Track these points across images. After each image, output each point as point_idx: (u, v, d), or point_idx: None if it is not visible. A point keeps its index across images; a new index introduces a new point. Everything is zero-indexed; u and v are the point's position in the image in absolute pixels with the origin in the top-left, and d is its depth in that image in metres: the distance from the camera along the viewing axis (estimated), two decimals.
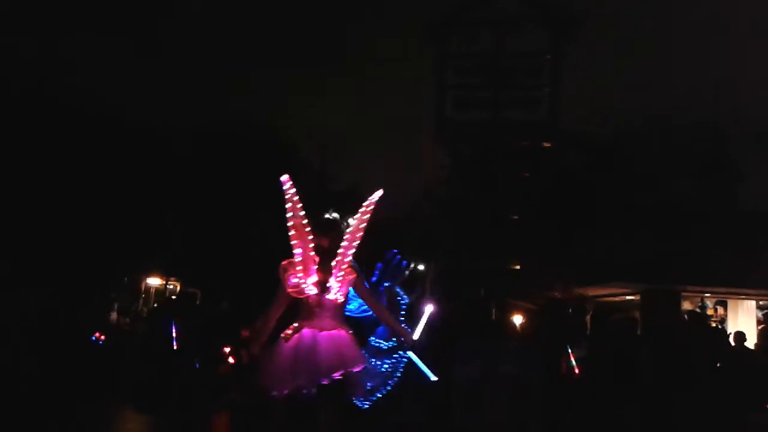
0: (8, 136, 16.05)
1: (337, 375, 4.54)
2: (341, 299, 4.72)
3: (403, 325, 5.71)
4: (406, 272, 6.20)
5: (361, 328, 5.71)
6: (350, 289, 4.83)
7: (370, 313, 5.46)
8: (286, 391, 4.69)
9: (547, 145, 9.90)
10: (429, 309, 6.14)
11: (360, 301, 5.55)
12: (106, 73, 20.11)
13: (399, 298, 6.05)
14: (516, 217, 9.74)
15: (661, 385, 8.34)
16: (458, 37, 9.45)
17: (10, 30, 18.19)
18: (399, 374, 5.84)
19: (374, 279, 5.90)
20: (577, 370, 8.59)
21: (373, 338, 5.90)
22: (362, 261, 5.16)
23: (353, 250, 4.74)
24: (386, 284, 5.97)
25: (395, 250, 6.09)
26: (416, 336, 5.98)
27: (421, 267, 6.45)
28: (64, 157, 17.06)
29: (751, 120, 16.88)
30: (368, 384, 5.57)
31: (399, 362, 5.87)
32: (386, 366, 5.79)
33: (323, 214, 5.12)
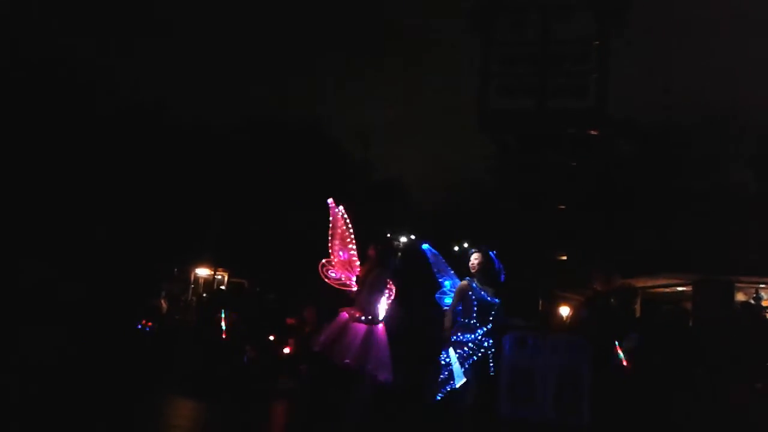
0: (62, 132, 16.53)
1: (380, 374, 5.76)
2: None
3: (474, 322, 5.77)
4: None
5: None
6: (446, 283, 6.31)
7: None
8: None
9: (594, 132, 9.67)
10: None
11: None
12: (148, 70, 20.50)
13: (471, 294, 5.79)
14: (563, 207, 9.60)
15: (712, 378, 8.15)
16: (503, 22, 9.30)
17: (60, 29, 18.70)
18: (467, 367, 5.64)
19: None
20: (625, 362, 8.46)
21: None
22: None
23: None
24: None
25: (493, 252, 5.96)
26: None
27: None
28: (116, 152, 17.49)
29: None
30: (440, 376, 5.66)
31: (464, 357, 5.65)
32: (449, 360, 5.64)
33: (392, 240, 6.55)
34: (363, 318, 5.71)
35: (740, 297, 13.89)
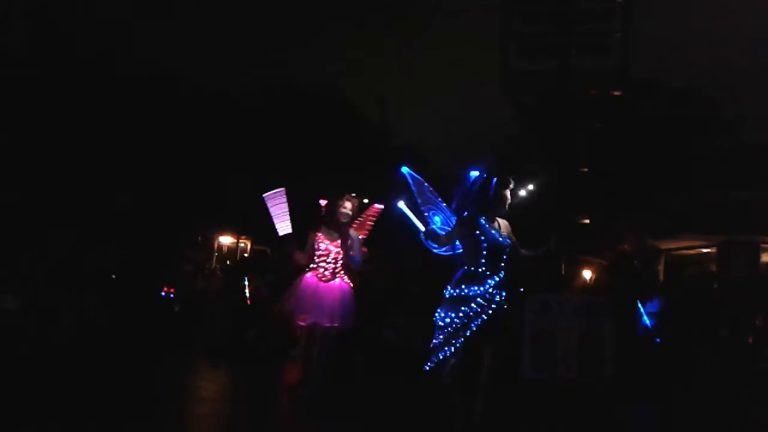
0: (86, 101, 16.65)
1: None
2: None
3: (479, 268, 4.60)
4: (499, 197, 4.74)
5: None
6: (436, 219, 4.99)
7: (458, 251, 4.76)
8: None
9: (617, 93, 9.48)
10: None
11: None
12: (165, 39, 20.48)
13: (477, 232, 4.62)
14: (586, 170, 9.48)
15: (738, 340, 8.11)
16: None
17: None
18: (470, 332, 4.50)
19: (453, 205, 4.83)
20: (649, 324, 8.43)
21: (449, 288, 4.67)
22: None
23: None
24: (465, 213, 4.70)
25: (476, 168, 4.76)
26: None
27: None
28: (138, 120, 17.61)
29: None
30: (433, 340, 4.60)
31: (470, 316, 4.53)
32: (449, 320, 4.53)
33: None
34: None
35: (766, 258, 13.71)
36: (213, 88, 19.38)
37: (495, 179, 4.69)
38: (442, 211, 5.01)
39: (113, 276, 11.33)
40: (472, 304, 4.54)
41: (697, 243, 14.80)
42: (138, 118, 17.64)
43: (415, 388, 6.65)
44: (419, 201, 5.01)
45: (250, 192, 18.97)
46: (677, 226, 14.28)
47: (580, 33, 8.83)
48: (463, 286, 4.58)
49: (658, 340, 8.07)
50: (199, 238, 18.53)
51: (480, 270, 4.60)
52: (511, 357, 7.67)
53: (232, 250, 19.78)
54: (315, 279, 6.31)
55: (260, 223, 18.56)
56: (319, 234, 6.48)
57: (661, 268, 7.65)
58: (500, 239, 4.67)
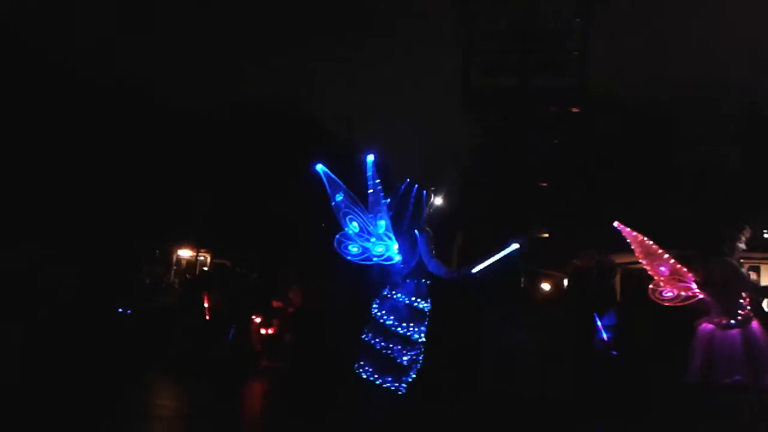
0: (45, 112, 16.30)
1: None
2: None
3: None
4: (429, 208, 4.79)
5: (383, 276, 4.77)
6: (353, 225, 4.70)
7: (394, 261, 4.63)
8: None
9: (575, 110, 9.69)
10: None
11: (363, 244, 4.66)
12: (133, 50, 20.22)
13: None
14: (545, 184, 9.61)
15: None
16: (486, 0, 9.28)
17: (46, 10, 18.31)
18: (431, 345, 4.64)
19: (390, 215, 4.71)
20: (605, 337, 8.57)
21: (401, 294, 4.57)
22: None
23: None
24: (417, 229, 4.69)
25: (407, 180, 4.81)
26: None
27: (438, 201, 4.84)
28: (97, 132, 17.29)
29: None
30: (402, 358, 4.45)
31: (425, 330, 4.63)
32: (424, 335, 4.54)
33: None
34: (733, 322, 5.14)
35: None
36: (181, 102, 19.18)
37: (424, 192, 4.75)
38: (360, 218, 4.77)
39: (66, 293, 11.04)
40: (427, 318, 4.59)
41: None
42: (99, 129, 17.34)
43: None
44: (333, 203, 4.79)
45: (212, 206, 18.84)
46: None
47: (539, 51, 9.01)
48: (429, 300, 4.61)
49: (615, 352, 8.21)
50: (157, 252, 18.19)
51: (429, 282, 4.64)
52: (470, 368, 7.71)
53: (192, 264, 19.48)
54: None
55: (220, 237, 18.42)
56: None
57: (617, 282, 7.79)
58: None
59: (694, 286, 5.44)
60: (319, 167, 4.76)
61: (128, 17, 19.91)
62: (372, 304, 4.67)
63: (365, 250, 4.69)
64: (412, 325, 4.50)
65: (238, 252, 17.40)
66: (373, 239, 4.66)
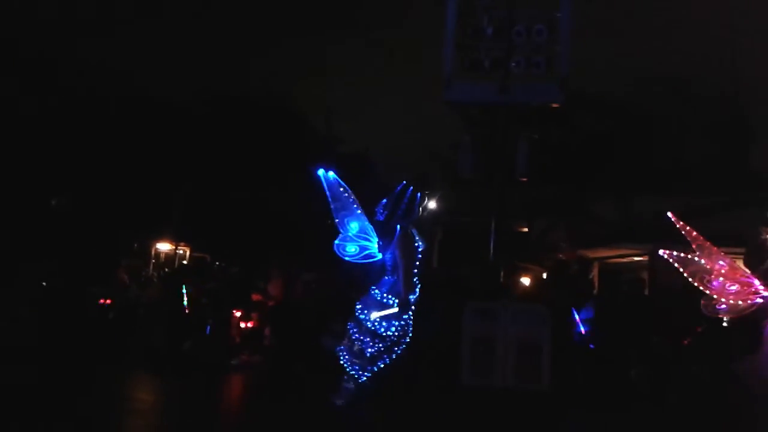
0: (18, 103, 16.07)
1: None
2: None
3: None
4: (421, 209, 4.90)
5: (365, 274, 4.95)
6: (352, 225, 4.87)
7: (375, 258, 4.80)
8: None
9: (556, 105, 9.75)
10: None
11: (360, 243, 4.83)
12: (110, 40, 19.93)
13: (416, 243, 4.80)
14: (524, 179, 9.66)
15: (667, 345, 8.40)
16: None
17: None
18: (408, 340, 4.74)
19: (380, 218, 4.88)
20: (583, 331, 8.67)
21: (378, 290, 4.74)
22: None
23: None
24: (399, 225, 4.76)
25: (404, 182, 4.94)
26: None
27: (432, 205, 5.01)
28: (74, 124, 17.08)
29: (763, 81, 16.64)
30: (368, 350, 4.68)
31: (408, 325, 4.75)
32: (393, 330, 4.66)
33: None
34: None
35: None
36: (162, 94, 18.98)
37: (419, 194, 4.86)
38: (358, 219, 4.94)
39: (44, 284, 10.92)
40: (409, 312, 4.73)
41: (630, 252, 15.33)
42: (77, 121, 17.13)
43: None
44: (333, 207, 4.93)
45: (192, 199, 18.70)
46: (612, 235, 14.76)
47: (520, 46, 9.03)
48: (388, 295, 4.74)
49: (592, 345, 8.30)
50: (135, 245, 18.04)
51: (415, 279, 4.76)
52: (450, 363, 7.76)
53: (171, 257, 19.34)
54: None
55: (199, 230, 18.29)
56: None
57: (594, 276, 7.86)
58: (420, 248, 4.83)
59: (756, 282, 5.34)
60: (321, 172, 4.93)
61: (107, 5, 19.62)
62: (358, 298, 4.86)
63: (363, 248, 4.87)
64: (378, 320, 4.64)
65: (218, 245, 17.31)
66: (370, 239, 4.83)
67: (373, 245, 4.83)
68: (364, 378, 4.65)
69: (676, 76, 17.39)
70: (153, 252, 19.08)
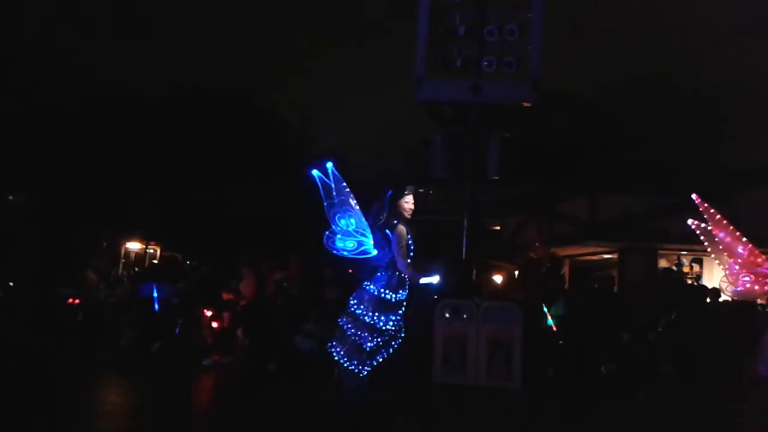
0: None
1: None
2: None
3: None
4: (407, 207, 5.01)
5: (358, 270, 5.09)
6: (341, 221, 4.94)
7: (371, 254, 4.89)
8: None
9: (528, 104, 9.81)
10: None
11: (358, 239, 4.93)
12: (76, 36, 19.57)
13: (408, 240, 4.93)
14: (496, 178, 9.70)
15: (637, 341, 8.53)
16: None
17: None
18: (404, 335, 4.86)
19: (374, 221, 4.97)
20: (555, 328, 8.75)
21: (373, 285, 4.84)
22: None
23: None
24: (395, 222, 4.91)
25: (389, 188, 5.09)
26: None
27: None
28: (40, 122, 16.77)
29: (729, 80, 16.94)
30: (367, 344, 4.74)
31: (402, 320, 4.90)
32: (391, 324, 4.78)
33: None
34: None
35: (663, 264, 14.55)
36: (129, 89, 18.67)
37: (394, 190, 4.99)
38: (357, 214, 4.98)
39: (11, 284, 10.73)
40: (402, 308, 4.88)
41: (600, 250, 15.54)
42: (42, 115, 16.81)
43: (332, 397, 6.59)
44: (328, 201, 4.97)
45: (162, 197, 18.47)
46: (583, 233, 14.94)
47: (491, 45, 9.07)
48: (400, 291, 4.86)
49: (562, 342, 8.39)
50: (104, 244, 17.77)
51: (404, 276, 4.88)
52: (423, 361, 7.78)
53: (141, 257, 19.11)
54: None
55: (170, 229, 18.06)
56: None
57: (565, 273, 7.93)
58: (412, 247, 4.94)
59: None
60: (315, 172, 4.99)
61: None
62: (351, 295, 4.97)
63: (360, 243, 4.93)
64: (377, 314, 4.79)
65: (189, 244, 17.13)
66: (369, 235, 4.90)
67: (369, 241, 4.92)
68: (365, 372, 4.71)
69: (644, 75, 17.64)
70: (123, 251, 18.84)
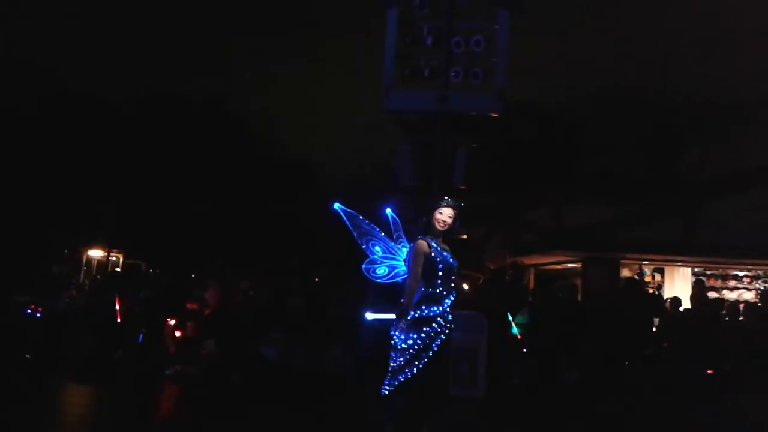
0: None
1: None
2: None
3: None
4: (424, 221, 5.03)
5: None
6: (376, 249, 5.28)
7: (401, 278, 5.00)
8: None
9: (494, 115, 9.90)
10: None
11: (390, 263, 5.20)
12: (41, 36, 19.18)
13: (431, 252, 4.91)
14: (463, 188, 9.77)
15: (599, 349, 8.65)
16: (406, 3, 9.34)
17: None
18: (432, 353, 4.68)
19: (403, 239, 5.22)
20: (519, 336, 8.83)
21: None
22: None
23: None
24: (419, 237, 4.95)
25: (388, 208, 5.34)
26: None
27: None
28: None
29: (692, 91, 17.32)
30: (390, 363, 4.69)
31: (431, 336, 4.71)
32: (410, 342, 4.63)
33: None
34: None
35: (626, 273, 14.82)
36: (89, 92, 18.35)
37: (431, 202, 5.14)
38: (381, 240, 5.29)
39: None
40: (433, 325, 4.71)
41: (564, 258, 15.74)
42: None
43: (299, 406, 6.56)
44: (355, 234, 5.32)
45: (125, 204, 18.17)
46: (547, 242, 15.12)
47: (459, 56, 9.15)
48: (423, 307, 4.72)
49: (526, 350, 8.47)
50: (66, 251, 17.41)
51: (438, 291, 4.78)
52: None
53: (103, 264, 18.75)
54: None
55: (133, 237, 17.77)
56: None
57: (529, 282, 8.02)
58: (451, 260, 4.90)
59: None
60: (337, 206, 5.30)
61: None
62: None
63: (392, 268, 5.26)
64: (399, 332, 4.70)
65: (152, 252, 16.88)
66: (397, 258, 5.24)
67: (401, 263, 5.16)
68: (384, 392, 4.68)
69: (607, 85, 17.94)
70: (84, 259, 18.48)
